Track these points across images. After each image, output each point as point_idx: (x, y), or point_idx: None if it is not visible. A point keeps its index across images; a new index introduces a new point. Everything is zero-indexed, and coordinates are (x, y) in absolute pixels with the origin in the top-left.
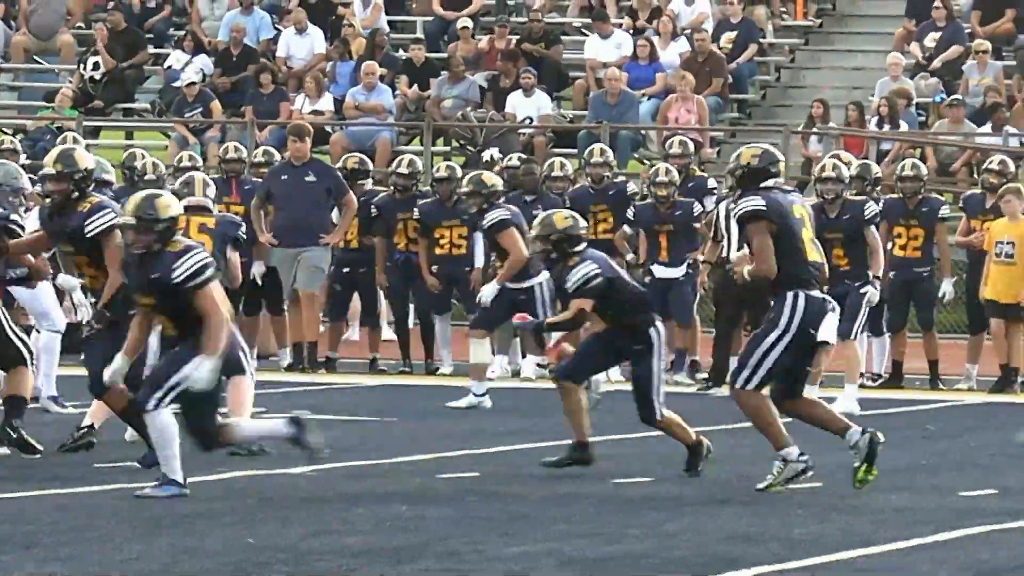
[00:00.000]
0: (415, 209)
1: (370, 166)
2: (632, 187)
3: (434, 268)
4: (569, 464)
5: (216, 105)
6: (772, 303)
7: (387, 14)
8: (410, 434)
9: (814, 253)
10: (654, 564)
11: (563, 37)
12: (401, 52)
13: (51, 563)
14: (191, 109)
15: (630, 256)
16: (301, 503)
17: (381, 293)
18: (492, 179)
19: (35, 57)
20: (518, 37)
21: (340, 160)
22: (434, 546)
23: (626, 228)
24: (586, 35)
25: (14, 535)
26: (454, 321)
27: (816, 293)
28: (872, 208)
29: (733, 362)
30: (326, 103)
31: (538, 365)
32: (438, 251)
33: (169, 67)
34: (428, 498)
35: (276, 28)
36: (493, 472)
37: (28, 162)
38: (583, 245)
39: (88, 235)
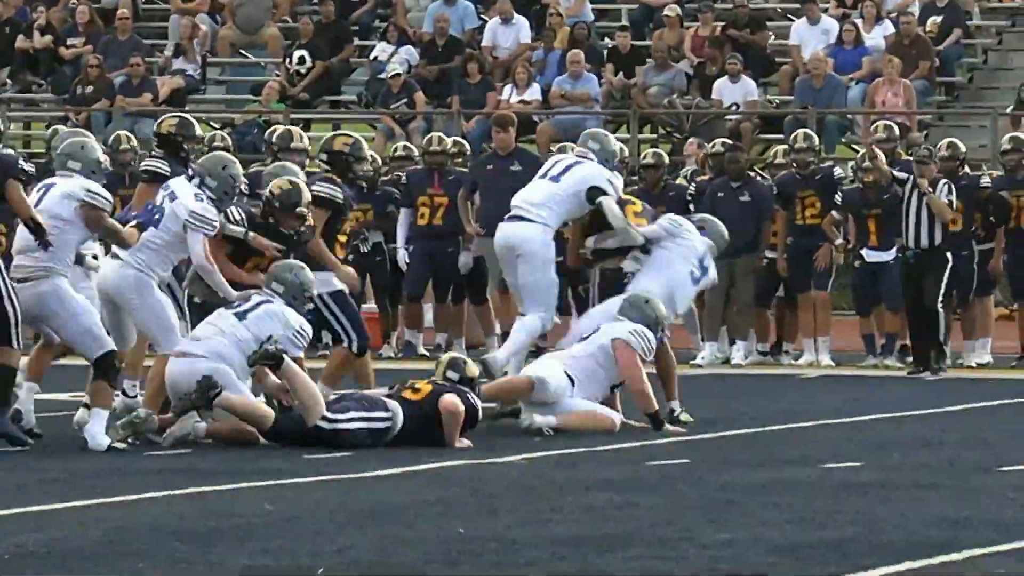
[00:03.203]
0: None
1: None
2: (839, 172)
3: None
4: None
5: (420, 96)
6: None
7: (592, 2)
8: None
9: None
10: (862, 549)
11: (768, 23)
12: (607, 40)
13: (264, 555)
14: (396, 100)
15: (839, 241)
16: (510, 491)
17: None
18: None
19: (241, 51)
20: (723, 24)
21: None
22: (643, 534)
23: (834, 213)
24: (791, 20)
25: (227, 529)
26: None
27: None
28: None
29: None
30: (534, 93)
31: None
32: None
33: (375, 59)
34: (637, 486)
35: (481, 18)
36: (702, 459)
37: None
38: None
39: None
